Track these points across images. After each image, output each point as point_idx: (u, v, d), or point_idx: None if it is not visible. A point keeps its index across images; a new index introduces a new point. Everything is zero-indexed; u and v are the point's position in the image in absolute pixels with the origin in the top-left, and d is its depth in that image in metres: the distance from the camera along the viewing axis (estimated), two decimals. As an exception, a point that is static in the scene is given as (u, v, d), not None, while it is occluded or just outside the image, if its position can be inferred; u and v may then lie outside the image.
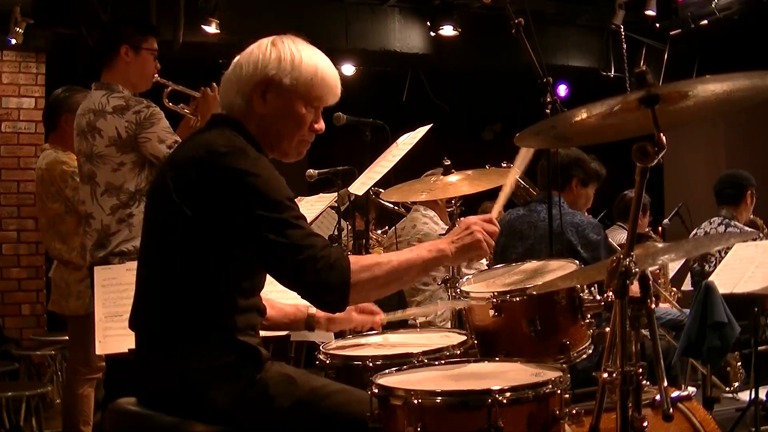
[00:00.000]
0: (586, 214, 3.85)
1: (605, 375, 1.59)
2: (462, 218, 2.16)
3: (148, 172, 3.18)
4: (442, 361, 2.04)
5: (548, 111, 2.76)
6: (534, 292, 2.15)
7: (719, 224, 4.88)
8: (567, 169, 3.64)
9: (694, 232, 5.09)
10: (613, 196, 5.87)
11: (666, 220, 6.06)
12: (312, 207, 4.34)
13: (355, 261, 1.90)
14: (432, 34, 7.30)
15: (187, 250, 1.92)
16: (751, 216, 5.03)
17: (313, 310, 2.37)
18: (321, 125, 2.12)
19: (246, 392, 1.89)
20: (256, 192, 1.88)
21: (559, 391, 1.73)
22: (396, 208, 5.10)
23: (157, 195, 2.05)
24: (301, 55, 2.04)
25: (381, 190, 3.82)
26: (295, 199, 1.84)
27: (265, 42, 2.08)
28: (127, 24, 3.41)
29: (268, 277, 2.07)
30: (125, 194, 3.16)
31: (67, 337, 4.11)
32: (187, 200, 1.91)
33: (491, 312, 2.20)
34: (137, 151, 3.14)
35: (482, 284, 2.49)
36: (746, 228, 4.84)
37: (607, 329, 1.65)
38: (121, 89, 3.25)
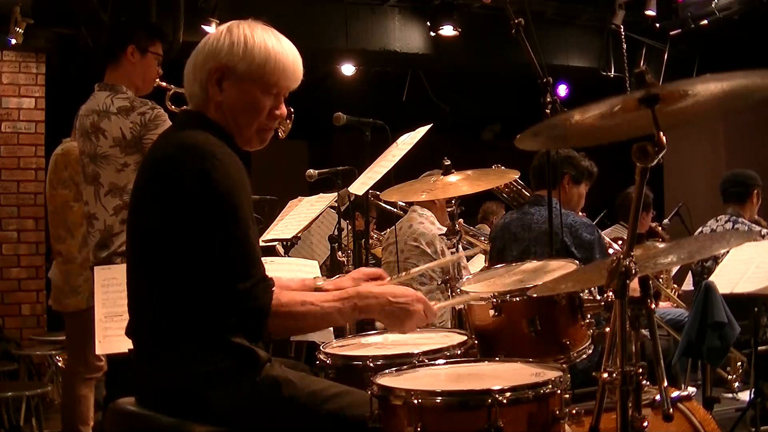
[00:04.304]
0: (581, 213, 3.84)
1: (605, 375, 1.59)
2: (418, 295, 2.09)
3: None
4: (442, 361, 2.04)
5: (548, 111, 2.76)
6: (534, 295, 2.14)
7: (726, 221, 4.86)
8: (558, 167, 3.63)
9: (699, 230, 5.07)
10: (613, 196, 5.87)
11: (666, 220, 6.06)
12: (312, 207, 4.34)
13: (278, 305, 1.88)
14: (432, 34, 7.31)
15: (168, 254, 1.89)
16: (756, 216, 5.01)
17: (320, 281, 2.34)
18: (282, 111, 2.06)
19: (245, 395, 1.88)
20: (213, 199, 1.84)
21: (559, 391, 1.72)
22: (395, 210, 5.10)
23: (135, 197, 2.05)
24: (254, 40, 1.99)
25: (378, 192, 3.82)
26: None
27: (221, 28, 2.04)
28: (137, 25, 3.42)
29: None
30: (128, 195, 3.15)
31: (64, 338, 4.10)
32: (159, 201, 1.90)
33: (491, 312, 2.20)
34: (141, 152, 3.13)
35: (482, 284, 2.50)
36: (754, 226, 4.82)
37: (607, 329, 1.65)
38: (125, 90, 3.25)
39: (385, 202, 4.83)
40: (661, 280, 5.20)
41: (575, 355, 2.19)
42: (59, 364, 5.50)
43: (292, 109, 3.10)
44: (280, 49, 2.02)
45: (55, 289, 3.96)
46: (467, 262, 4.72)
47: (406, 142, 3.26)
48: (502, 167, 3.60)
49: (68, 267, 3.89)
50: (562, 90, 8.92)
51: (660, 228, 5.75)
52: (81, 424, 3.76)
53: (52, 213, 4.02)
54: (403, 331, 2.09)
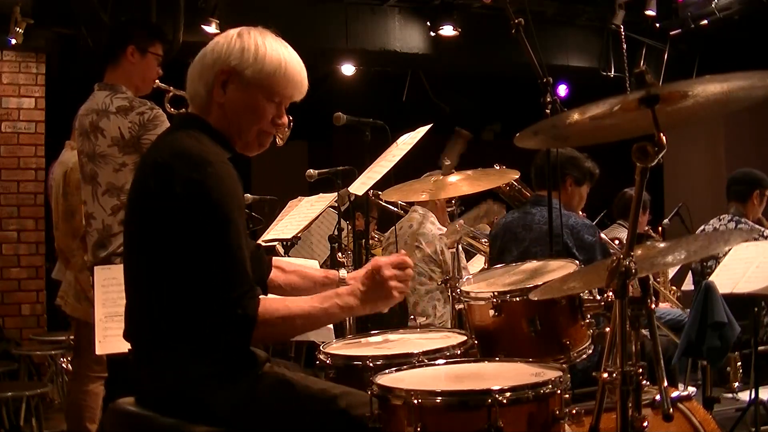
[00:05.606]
0: (581, 214, 3.85)
1: (605, 375, 1.59)
2: (373, 261, 2.11)
3: None
4: (442, 361, 2.04)
5: (548, 111, 2.76)
6: (535, 298, 2.14)
7: (729, 221, 4.84)
8: (561, 168, 3.63)
9: (701, 228, 5.05)
10: (613, 196, 5.87)
11: (666, 220, 6.05)
12: (312, 207, 4.34)
13: (264, 313, 1.87)
14: (432, 34, 7.30)
15: (162, 258, 1.89)
16: (759, 216, 4.97)
17: (344, 274, 2.36)
18: (284, 120, 2.08)
19: (244, 396, 1.88)
20: (204, 207, 1.85)
21: (559, 391, 1.72)
22: (396, 209, 5.11)
23: (131, 200, 2.06)
24: (266, 48, 2.01)
25: (379, 192, 3.82)
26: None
27: (232, 32, 2.06)
28: (137, 25, 3.43)
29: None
30: (126, 195, 3.15)
31: (64, 338, 4.10)
32: (152, 207, 1.90)
33: (491, 312, 2.20)
34: (140, 152, 3.13)
35: (482, 284, 2.50)
36: (756, 226, 4.79)
37: (607, 329, 1.65)
38: (125, 90, 3.25)
39: (387, 202, 4.83)
40: (658, 281, 5.20)
41: (575, 355, 2.19)
42: (65, 365, 5.50)
43: (291, 117, 3.09)
44: (291, 60, 2.05)
45: (69, 289, 3.95)
46: (467, 262, 4.72)
47: (406, 142, 3.25)
48: (504, 167, 3.60)
49: (85, 273, 3.89)
50: (562, 90, 8.91)
51: (659, 230, 5.74)
52: (88, 421, 3.76)
53: (59, 222, 4.02)
54: (393, 302, 2.10)
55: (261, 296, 1.92)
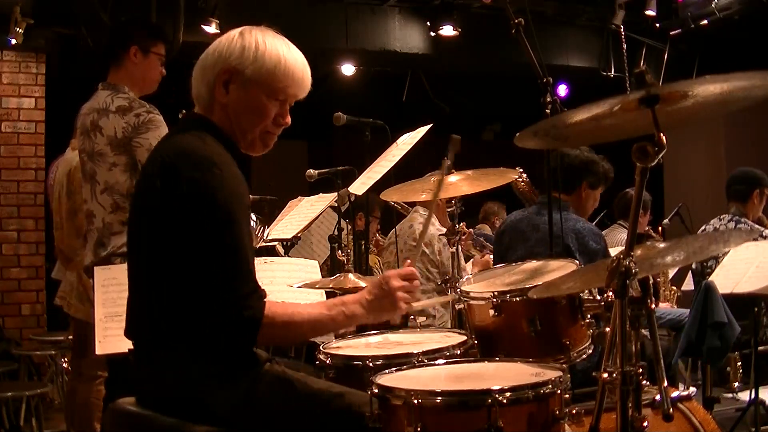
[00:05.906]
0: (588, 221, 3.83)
1: (605, 375, 1.59)
2: (384, 275, 2.11)
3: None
4: (442, 361, 2.04)
5: (548, 111, 2.76)
6: (534, 296, 2.14)
7: (729, 221, 4.84)
8: (578, 173, 3.60)
9: (702, 228, 5.04)
10: (613, 196, 5.86)
11: (666, 220, 6.04)
12: (312, 207, 4.34)
13: (270, 316, 1.86)
14: (432, 34, 7.31)
15: (165, 258, 1.90)
16: (760, 215, 4.96)
17: None
18: (287, 120, 2.08)
19: (244, 397, 1.88)
20: (209, 207, 1.85)
21: (559, 391, 1.72)
22: (399, 208, 5.10)
23: (136, 199, 2.07)
24: (265, 46, 2.01)
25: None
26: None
27: (233, 32, 2.06)
28: (138, 25, 3.43)
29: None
30: (119, 195, 3.15)
31: (64, 338, 4.09)
32: (157, 207, 1.91)
33: (491, 312, 2.20)
34: (129, 153, 3.12)
35: (482, 284, 2.50)
36: (756, 226, 4.78)
37: (607, 329, 1.65)
38: (127, 90, 3.25)
39: (395, 203, 4.83)
40: (658, 281, 5.19)
41: (575, 355, 2.19)
42: (65, 365, 5.50)
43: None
44: (291, 56, 2.04)
45: (71, 290, 3.94)
46: (466, 263, 4.72)
47: (406, 142, 3.26)
48: (520, 169, 3.61)
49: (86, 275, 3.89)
50: (562, 90, 8.91)
51: (659, 230, 5.73)
52: (97, 422, 3.76)
53: (63, 221, 4.02)
54: (399, 313, 2.10)
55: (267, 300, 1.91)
